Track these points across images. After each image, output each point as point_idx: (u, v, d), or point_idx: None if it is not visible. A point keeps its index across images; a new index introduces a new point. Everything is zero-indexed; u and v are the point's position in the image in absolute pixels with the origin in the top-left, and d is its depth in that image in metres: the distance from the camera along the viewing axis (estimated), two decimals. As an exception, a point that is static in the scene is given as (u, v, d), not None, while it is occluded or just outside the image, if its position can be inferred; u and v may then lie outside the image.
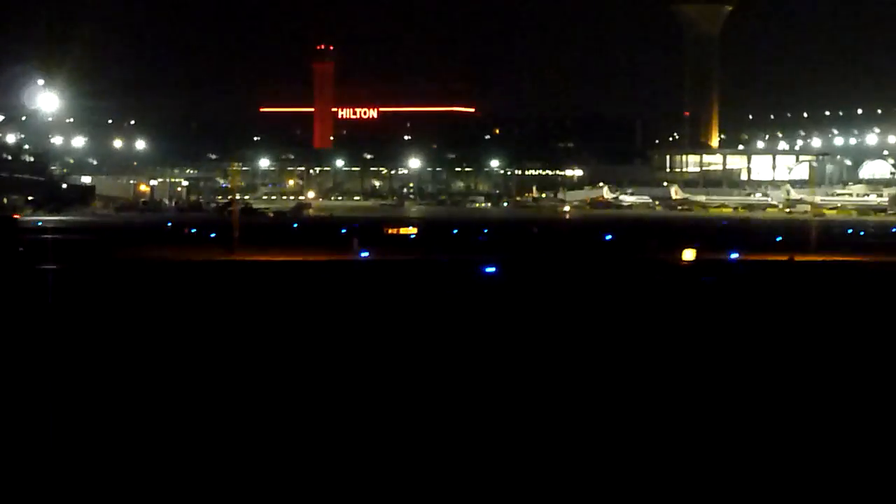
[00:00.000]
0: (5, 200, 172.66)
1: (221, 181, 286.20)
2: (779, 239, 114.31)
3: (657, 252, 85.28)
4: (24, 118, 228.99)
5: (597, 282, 64.39)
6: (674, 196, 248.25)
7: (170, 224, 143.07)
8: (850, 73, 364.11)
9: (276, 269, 73.46)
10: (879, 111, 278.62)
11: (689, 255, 79.67)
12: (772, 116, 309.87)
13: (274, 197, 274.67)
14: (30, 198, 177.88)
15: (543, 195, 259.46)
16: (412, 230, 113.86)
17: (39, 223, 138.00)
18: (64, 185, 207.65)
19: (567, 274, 69.99)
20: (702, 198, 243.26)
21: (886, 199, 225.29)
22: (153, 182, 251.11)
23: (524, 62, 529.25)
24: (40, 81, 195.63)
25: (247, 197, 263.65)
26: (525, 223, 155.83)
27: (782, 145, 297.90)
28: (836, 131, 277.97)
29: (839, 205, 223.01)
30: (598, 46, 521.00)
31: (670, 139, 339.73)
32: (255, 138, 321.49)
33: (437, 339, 39.50)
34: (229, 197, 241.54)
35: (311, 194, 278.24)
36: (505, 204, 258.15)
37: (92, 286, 59.84)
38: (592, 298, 55.42)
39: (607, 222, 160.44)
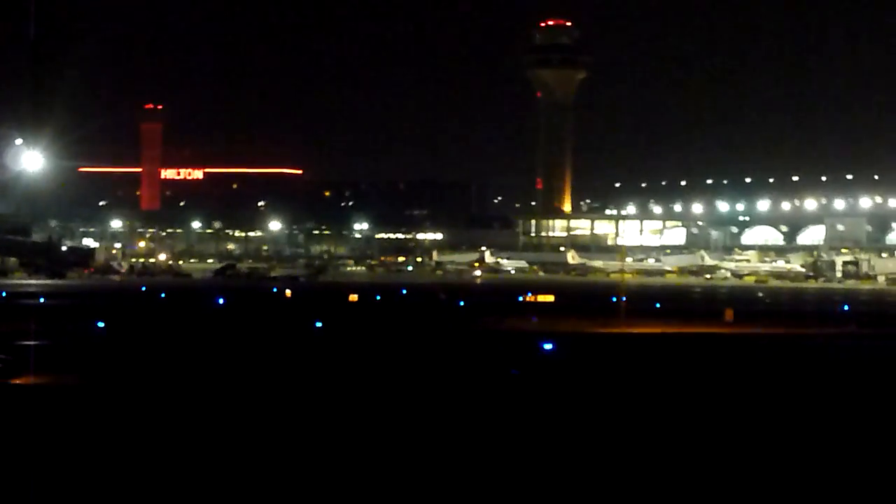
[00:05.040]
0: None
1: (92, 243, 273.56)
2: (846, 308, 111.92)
3: None
4: None
5: None
6: (570, 261, 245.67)
7: (276, 290, 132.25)
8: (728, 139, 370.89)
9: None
10: (771, 179, 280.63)
11: None
12: (643, 184, 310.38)
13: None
14: (22, 261, 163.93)
15: (433, 258, 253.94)
16: (550, 297, 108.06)
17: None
18: (64, 248, 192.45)
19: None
20: (599, 263, 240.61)
21: (795, 265, 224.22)
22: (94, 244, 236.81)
23: (363, 124, 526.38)
24: None
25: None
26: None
27: (657, 210, 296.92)
28: (718, 201, 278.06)
29: (747, 272, 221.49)
30: (446, 109, 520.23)
31: (518, 204, 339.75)
32: (101, 203, 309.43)
33: None
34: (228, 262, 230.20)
35: (162, 256, 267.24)
36: (411, 268, 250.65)
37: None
38: None
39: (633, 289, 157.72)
